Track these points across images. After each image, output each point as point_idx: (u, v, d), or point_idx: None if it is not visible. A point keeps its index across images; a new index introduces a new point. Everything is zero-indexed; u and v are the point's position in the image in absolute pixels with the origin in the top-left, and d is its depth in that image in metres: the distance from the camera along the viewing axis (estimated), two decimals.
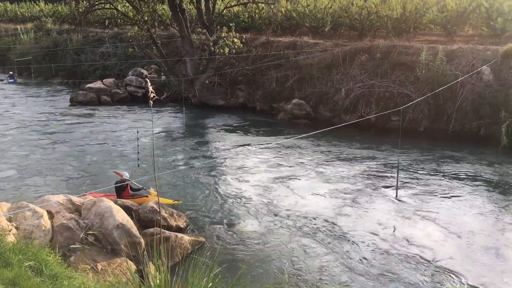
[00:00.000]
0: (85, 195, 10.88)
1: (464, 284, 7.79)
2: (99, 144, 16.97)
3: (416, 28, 23.01)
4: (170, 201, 11.27)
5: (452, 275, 8.08)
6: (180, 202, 11.45)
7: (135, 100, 25.44)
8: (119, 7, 25.66)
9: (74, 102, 24.90)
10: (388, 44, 20.86)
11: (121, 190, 11.19)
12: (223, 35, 22.36)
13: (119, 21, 28.08)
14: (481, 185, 12.60)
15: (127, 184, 11.35)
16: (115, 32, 31.95)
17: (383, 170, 13.95)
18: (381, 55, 20.49)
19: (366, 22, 23.82)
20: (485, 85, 17.40)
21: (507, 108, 16.19)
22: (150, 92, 7.00)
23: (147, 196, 11.29)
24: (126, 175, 11.39)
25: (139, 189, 11.54)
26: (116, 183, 11.28)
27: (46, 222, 7.74)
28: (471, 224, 10.20)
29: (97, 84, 26.32)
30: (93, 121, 20.77)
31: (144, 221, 9.47)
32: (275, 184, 12.72)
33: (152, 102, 6.86)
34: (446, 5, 22.38)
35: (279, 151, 15.99)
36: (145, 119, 20.96)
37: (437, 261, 8.58)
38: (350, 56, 21.20)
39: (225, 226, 10.14)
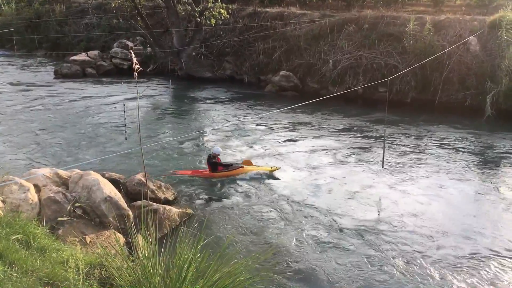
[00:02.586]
0: (173, 173, 11.30)
1: (449, 249, 7.97)
2: (85, 117, 16.79)
3: None
4: (268, 168, 11.60)
5: (436, 242, 8.25)
6: (278, 168, 11.66)
7: (121, 72, 25.10)
8: None
9: (58, 75, 24.50)
10: (376, 15, 20.74)
11: (215, 165, 11.34)
12: (209, 5, 22.00)
13: None
14: (466, 155, 12.78)
15: (219, 160, 11.48)
16: (99, 2, 31.26)
17: (370, 141, 14.06)
18: (369, 26, 20.38)
19: None
20: (471, 55, 17.46)
21: (493, 78, 16.31)
22: (134, 64, 6.91)
23: (243, 167, 11.54)
24: (218, 150, 11.63)
25: (230, 164, 11.63)
26: (209, 158, 11.42)
27: (33, 195, 7.70)
28: (455, 192, 10.38)
29: (82, 57, 25.87)
30: (79, 94, 20.49)
31: (132, 193, 9.48)
32: (262, 156, 12.75)
33: (136, 74, 6.79)
34: None
35: (267, 123, 15.99)
36: (132, 91, 20.73)
37: (422, 227, 8.74)
38: (338, 27, 21.04)
39: (213, 198, 10.20)
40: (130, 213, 8.36)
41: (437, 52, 16.59)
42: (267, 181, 11.13)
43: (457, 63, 17.53)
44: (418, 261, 7.62)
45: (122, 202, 8.44)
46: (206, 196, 10.24)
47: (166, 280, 4.72)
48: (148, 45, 25.82)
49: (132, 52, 7.76)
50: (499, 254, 7.83)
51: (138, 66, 6.94)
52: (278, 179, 11.24)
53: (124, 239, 7.60)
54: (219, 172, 11.35)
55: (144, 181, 9.29)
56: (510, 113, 15.63)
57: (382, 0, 22.69)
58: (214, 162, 11.33)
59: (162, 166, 11.94)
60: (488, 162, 12.31)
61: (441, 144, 13.70)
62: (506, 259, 7.69)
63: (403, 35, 18.93)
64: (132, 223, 7.79)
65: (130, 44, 26.33)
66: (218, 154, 11.53)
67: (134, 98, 18.91)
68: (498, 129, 14.87)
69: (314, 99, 11.16)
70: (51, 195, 7.88)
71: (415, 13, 20.46)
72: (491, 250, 7.98)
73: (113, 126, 15.62)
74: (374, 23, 20.36)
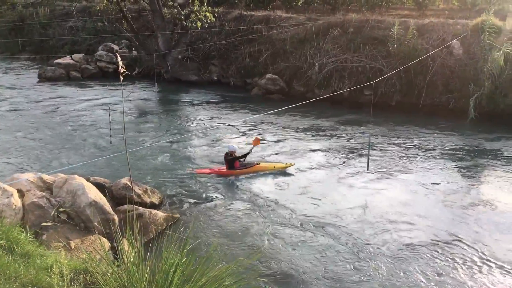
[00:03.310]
0: (193, 171, 11.70)
1: (435, 246, 8.05)
2: (69, 121, 16.63)
3: (389, 2, 23.14)
4: (283, 165, 11.98)
5: (422, 244, 8.33)
6: (293, 164, 11.99)
7: (106, 75, 24.95)
8: None
9: (42, 78, 24.26)
10: (361, 19, 20.93)
11: (233, 162, 11.68)
12: (195, 9, 21.99)
13: None
14: (450, 157, 12.94)
15: (235, 157, 11.81)
16: (84, 5, 31.07)
17: (355, 143, 14.15)
18: (354, 29, 20.55)
19: None
20: (455, 59, 17.70)
21: (476, 81, 16.54)
22: (120, 67, 6.87)
23: (259, 164, 11.97)
24: (234, 147, 11.91)
25: (247, 154, 12.04)
26: (226, 155, 11.75)
27: (16, 200, 7.60)
28: (440, 193, 10.49)
29: (66, 60, 25.65)
30: (63, 98, 20.30)
31: (118, 198, 9.40)
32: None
33: (122, 78, 6.75)
34: None
35: (253, 127, 16.01)
36: (117, 95, 20.61)
37: (407, 230, 8.81)
38: (323, 30, 21.19)
39: (200, 202, 10.16)
40: (116, 217, 8.29)
41: (421, 55, 16.79)
42: (253, 185, 11.14)
43: (441, 66, 17.76)
44: (401, 261, 7.68)
45: (108, 206, 8.37)
46: (193, 200, 10.20)
47: (152, 285, 4.70)
48: (133, 48, 25.70)
49: (118, 56, 7.71)
50: (486, 258, 7.92)
51: (124, 70, 6.91)
52: (264, 182, 11.25)
53: (110, 244, 7.53)
54: (237, 170, 11.71)
55: (130, 185, 9.23)
56: (493, 116, 15.88)
57: (366, 4, 22.91)
58: (231, 159, 11.67)
59: (148, 170, 11.87)
60: (471, 164, 12.47)
61: (426, 146, 13.85)
62: (493, 262, 7.78)
63: (387, 39, 19.12)
64: (117, 227, 7.74)
65: (116, 47, 26.19)
66: (235, 151, 11.81)
67: (119, 102, 18.79)
68: (481, 132, 15.09)
69: (301, 102, 11.21)
70: (35, 200, 7.79)
71: (399, 17, 20.69)
72: (475, 251, 8.07)
73: (98, 130, 15.50)
74: (359, 26, 20.54)
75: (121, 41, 26.95)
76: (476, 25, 17.71)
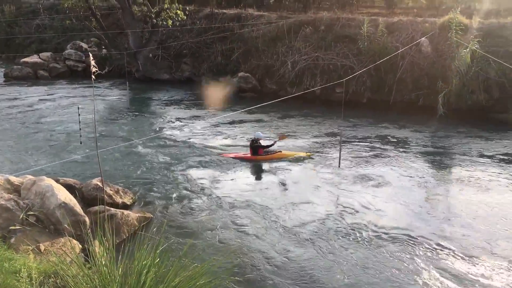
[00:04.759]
0: (221, 155, 12.75)
1: (404, 242, 8.18)
2: (38, 121, 16.24)
3: (359, 0, 23.36)
4: (304, 154, 12.74)
5: (393, 238, 8.46)
6: (312, 154, 12.76)
7: (75, 74, 24.47)
8: None
9: (8, 78, 23.62)
10: (332, 17, 21.12)
11: (257, 148, 12.47)
12: (166, 6, 21.78)
13: None
14: (419, 153, 13.19)
15: (260, 144, 12.55)
16: (51, 3, 30.37)
17: (327, 140, 14.27)
18: (325, 27, 20.72)
19: None
20: (423, 56, 18.04)
21: (444, 79, 16.89)
22: (92, 66, 6.74)
23: (281, 151, 12.74)
24: (260, 135, 12.73)
25: (272, 148, 12.73)
26: (252, 142, 12.53)
27: None
28: (410, 188, 10.69)
29: (33, 59, 25.02)
30: (31, 97, 19.80)
31: (89, 199, 9.22)
32: (221, 159, 12.71)
33: (94, 77, 6.62)
34: None
35: (225, 125, 15.96)
36: (86, 94, 20.23)
37: (379, 226, 8.93)
38: (295, 28, 21.29)
39: (173, 201, 10.07)
40: (87, 219, 8.14)
41: (391, 53, 17.05)
42: (225, 182, 11.11)
43: (410, 64, 18.08)
44: (370, 255, 7.79)
45: (78, 208, 8.21)
46: (165, 200, 10.10)
47: (124, 286, 4.62)
48: (103, 47, 25.26)
49: (91, 55, 7.57)
50: (445, 247, 8.10)
51: (96, 69, 6.79)
52: (236, 181, 11.24)
53: (81, 246, 7.39)
54: (260, 156, 12.49)
55: (101, 185, 9.07)
56: (460, 112, 16.27)
57: (337, 2, 23.13)
58: (256, 146, 12.43)
59: (120, 170, 11.69)
60: (439, 160, 12.75)
61: (396, 143, 14.08)
62: (453, 252, 7.96)
63: (358, 37, 19.35)
64: (88, 229, 7.60)
65: (85, 45, 25.71)
66: (260, 139, 12.55)
67: (89, 101, 18.45)
68: (449, 128, 15.43)
69: (273, 100, 11.25)
70: (2, 202, 7.57)
71: (369, 15, 20.97)
72: (440, 242, 8.25)
73: (68, 130, 15.18)
74: (330, 25, 20.73)
75: (90, 39, 26.47)
76: (444, 23, 18.09)
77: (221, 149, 13.41)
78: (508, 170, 11.79)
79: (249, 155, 12.66)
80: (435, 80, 17.16)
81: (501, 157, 12.78)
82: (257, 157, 12.55)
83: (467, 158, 12.78)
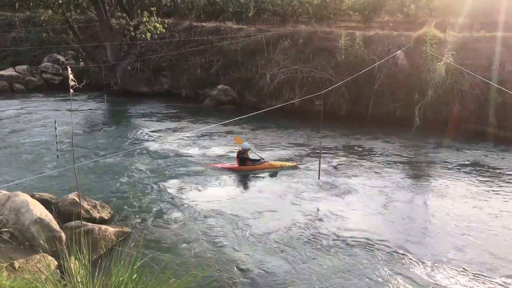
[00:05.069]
0: (207, 164, 12.87)
1: (386, 253, 8.24)
2: (13, 135, 15.92)
3: (336, 14, 23.71)
4: (291, 164, 12.90)
5: (373, 249, 8.51)
6: (298, 163, 12.94)
7: (52, 87, 24.19)
8: None
9: None
10: (310, 30, 21.36)
11: (244, 160, 12.61)
12: (144, 19, 21.73)
13: (31, 3, 26.34)
14: (397, 164, 13.36)
15: (247, 155, 12.72)
16: (27, 15, 29.94)
17: (307, 152, 14.35)
18: (303, 40, 20.94)
19: (288, 8, 24.17)
20: (400, 69, 18.37)
21: (420, 91, 17.20)
22: (70, 80, 6.66)
23: (267, 162, 12.83)
24: (246, 145, 12.82)
25: (258, 159, 12.88)
26: (239, 153, 12.64)
27: None
28: (385, 199, 10.80)
29: (9, 72, 24.69)
30: (6, 111, 19.45)
31: (65, 214, 9.05)
32: (200, 171, 12.65)
33: (72, 91, 6.54)
34: None
35: (205, 138, 15.92)
36: (64, 107, 19.97)
37: (358, 237, 8.97)
38: (274, 41, 21.46)
39: (151, 214, 9.95)
40: (63, 235, 7.98)
41: (368, 66, 17.28)
42: (204, 194, 11.03)
43: (387, 76, 18.37)
44: (344, 264, 7.82)
45: (54, 223, 8.05)
46: (144, 214, 9.97)
47: None
48: (80, 60, 25.03)
49: (69, 68, 7.48)
50: (416, 255, 8.19)
51: (75, 82, 6.71)
52: (214, 193, 11.19)
53: (56, 263, 7.22)
54: (247, 166, 12.59)
55: (78, 200, 8.92)
56: (436, 124, 16.54)
57: (315, 16, 23.41)
58: (243, 157, 12.58)
59: (97, 184, 11.52)
60: (415, 170, 12.93)
61: (374, 154, 14.24)
62: (432, 263, 8.05)
63: (336, 50, 19.59)
64: (64, 245, 7.46)
65: (62, 58, 25.46)
66: (247, 149, 12.70)
67: (67, 114, 18.20)
68: (425, 139, 15.68)
69: (253, 112, 11.26)
70: None
71: (346, 29, 21.25)
72: (419, 252, 8.34)
73: (45, 144, 14.93)
74: (308, 38, 20.95)
75: (68, 52, 26.21)
76: (419, 37, 18.47)
77: (200, 161, 13.37)
78: (476, 179, 12.09)
79: (236, 165, 12.74)
80: (411, 92, 17.44)
81: (472, 167, 13.09)
82: (244, 167, 12.62)
83: (440, 168, 13.01)
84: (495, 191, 11.35)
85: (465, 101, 16.85)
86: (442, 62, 16.57)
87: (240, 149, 12.75)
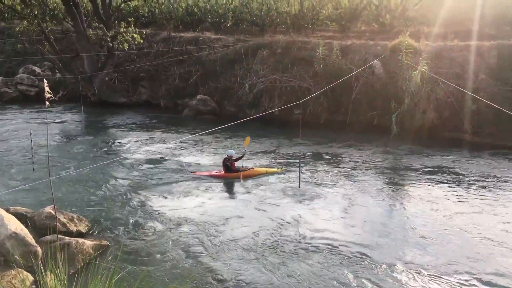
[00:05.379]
0: (194, 173, 12.96)
1: (353, 256, 8.30)
2: None
3: (314, 24, 23.92)
4: (276, 170, 13.13)
5: (352, 255, 8.56)
6: (284, 169, 13.20)
7: (28, 99, 23.78)
8: (4, 0, 23.76)
9: None
10: (288, 40, 21.51)
11: (230, 165, 12.76)
12: (122, 30, 21.59)
13: (5, 15, 25.97)
14: (375, 171, 13.52)
15: (232, 161, 12.89)
16: (2, 26, 29.45)
17: (287, 161, 14.39)
18: (281, 50, 21.07)
19: (266, 18, 24.32)
20: (376, 78, 18.60)
21: (397, 99, 17.43)
22: (46, 91, 6.57)
23: (253, 168, 13.06)
24: (232, 152, 13.01)
25: (242, 156, 13.17)
26: (224, 160, 12.84)
27: None
28: (366, 206, 10.93)
29: None
30: None
31: (41, 228, 8.88)
32: (179, 181, 12.58)
33: (48, 103, 6.46)
34: (340, 2, 23.62)
35: (184, 148, 15.84)
36: (40, 119, 19.65)
37: (339, 245, 9.03)
38: (252, 51, 21.54)
39: (129, 227, 9.83)
40: (39, 249, 7.83)
41: (346, 75, 17.47)
42: (182, 207, 10.96)
43: (364, 85, 18.59)
44: (315, 269, 7.85)
45: (30, 238, 7.90)
46: (122, 225, 9.85)
47: None
48: (57, 71, 24.68)
49: (45, 80, 7.39)
50: (401, 262, 8.28)
51: (51, 94, 6.63)
52: (193, 203, 11.13)
53: (32, 278, 7.08)
54: (233, 173, 12.70)
55: (54, 214, 8.76)
56: (412, 131, 16.76)
57: (293, 26, 23.61)
58: (228, 164, 12.77)
59: (74, 197, 11.35)
60: (392, 178, 13.09)
61: (353, 161, 14.36)
62: (408, 270, 8.14)
63: (314, 59, 19.75)
64: (40, 260, 7.32)
65: (38, 69, 25.09)
66: (232, 156, 12.88)
67: (43, 127, 17.90)
68: (403, 146, 15.89)
69: (232, 122, 11.27)
70: None
71: (324, 38, 21.45)
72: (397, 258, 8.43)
73: (20, 156, 14.66)
74: (286, 47, 21.09)
75: (44, 63, 25.82)
76: (394, 46, 18.75)
77: (179, 171, 13.31)
78: (442, 184, 12.47)
79: (222, 172, 12.83)
80: (388, 101, 17.66)
81: (440, 173, 13.36)
82: (230, 174, 12.75)
83: (412, 175, 13.30)
84: (456, 194, 11.73)
85: (441, 108, 17.15)
86: (417, 71, 16.84)
87: (226, 155, 12.94)
